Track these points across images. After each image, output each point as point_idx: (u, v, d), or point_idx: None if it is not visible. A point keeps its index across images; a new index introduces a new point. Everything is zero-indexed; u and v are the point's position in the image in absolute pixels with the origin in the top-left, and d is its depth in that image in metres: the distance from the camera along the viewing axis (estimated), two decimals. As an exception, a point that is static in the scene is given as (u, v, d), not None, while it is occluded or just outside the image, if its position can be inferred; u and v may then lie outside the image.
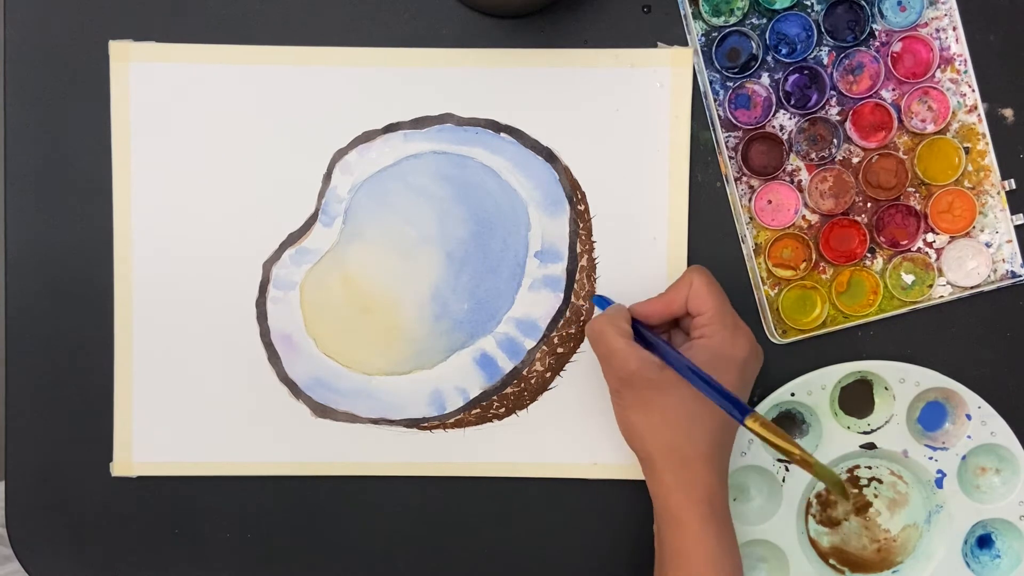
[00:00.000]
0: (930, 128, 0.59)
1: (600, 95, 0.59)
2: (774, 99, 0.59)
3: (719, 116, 0.59)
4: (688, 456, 0.52)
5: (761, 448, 0.60)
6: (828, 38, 0.58)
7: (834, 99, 0.59)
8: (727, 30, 0.58)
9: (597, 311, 0.59)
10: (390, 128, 0.59)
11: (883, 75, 0.58)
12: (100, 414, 0.60)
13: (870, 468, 0.61)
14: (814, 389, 0.59)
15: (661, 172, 0.59)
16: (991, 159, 0.59)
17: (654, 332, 0.55)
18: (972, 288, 0.60)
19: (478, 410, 0.60)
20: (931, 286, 0.60)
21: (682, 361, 0.52)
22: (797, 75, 0.59)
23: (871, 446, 0.60)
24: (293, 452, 0.61)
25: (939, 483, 0.60)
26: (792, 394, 0.59)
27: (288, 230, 0.60)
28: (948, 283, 0.60)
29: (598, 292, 0.60)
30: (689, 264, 0.59)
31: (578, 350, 0.60)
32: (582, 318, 0.60)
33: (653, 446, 0.53)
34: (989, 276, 0.60)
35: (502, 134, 0.59)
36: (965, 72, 0.59)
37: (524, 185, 0.59)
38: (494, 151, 0.59)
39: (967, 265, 0.60)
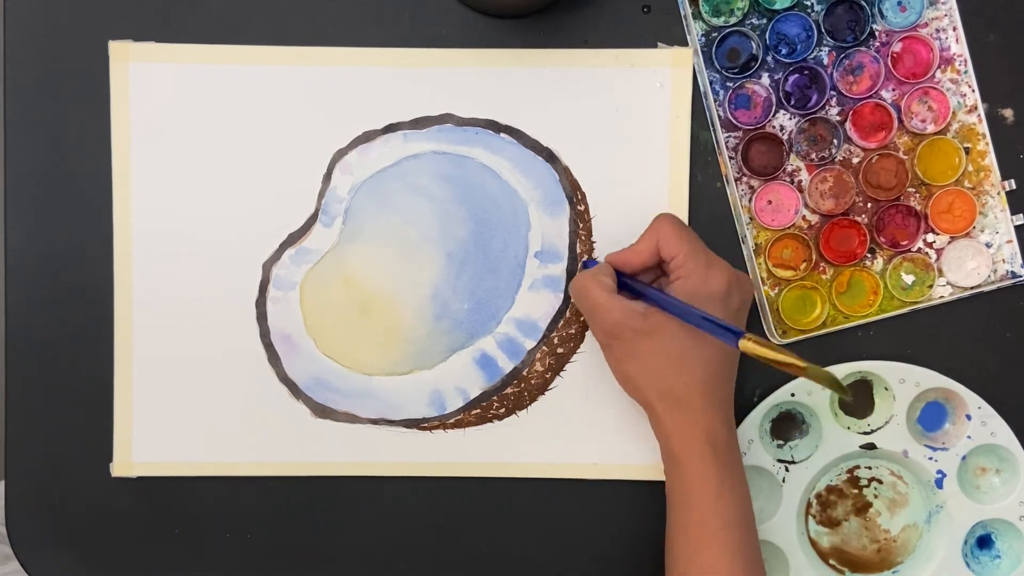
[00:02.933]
0: (930, 128, 0.59)
1: (600, 95, 0.59)
2: (774, 99, 0.59)
3: (719, 116, 0.59)
4: (684, 398, 0.53)
5: (761, 448, 0.60)
6: (828, 38, 0.58)
7: (834, 99, 0.59)
8: (727, 30, 0.58)
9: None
10: (390, 128, 0.59)
11: (883, 75, 0.58)
12: (100, 414, 0.60)
13: (870, 468, 0.61)
14: (814, 389, 0.59)
15: (661, 172, 0.59)
16: (991, 159, 0.59)
17: (638, 281, 0.56)
18: (972, 288, 0.60)
19: (478, 410, 0.60)
20: (931, 286, 0.60)
21: (668, 299, 0.52)
22: (797, 75, 0.59)
23: (871, 446, 0.60)
24: (293, 452, 0.60)
25: (939, 483, 0.60)
26: (792, 394, 0.59)
27: (288, 230, 0.60)
28: (948, 283, 0.60)
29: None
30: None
31: (578, 350, 0.60)
32: (582, 318, 0.60)
33: (649, 392, 0.53)
34: (989, 276, 0.60)
35: (502, 134, 0.59)
36: (965, 72, 0.59)
37: (524, 185, 0.59)
38: (494, 151, 0.59)
39: (967, 265, 0.60)
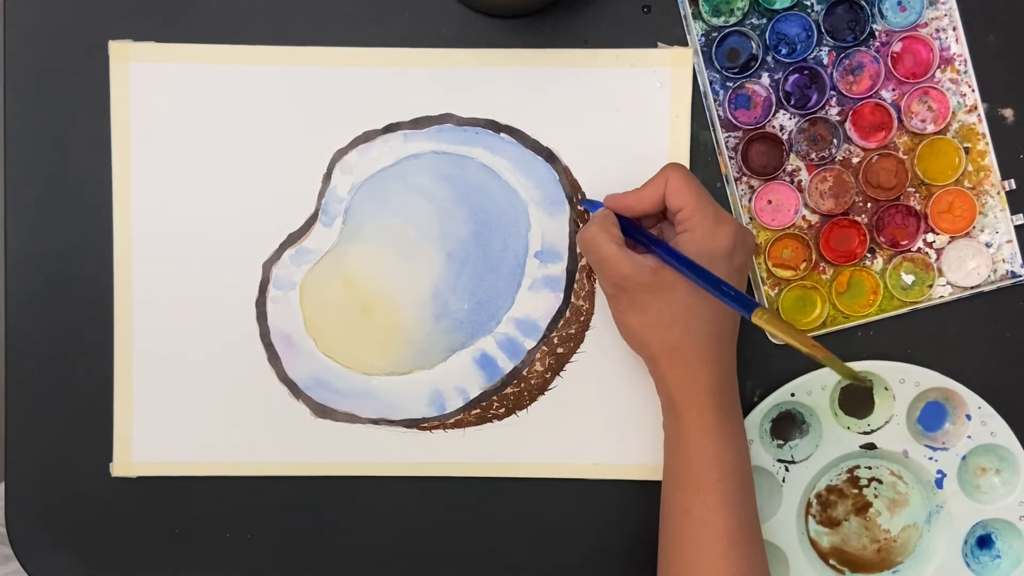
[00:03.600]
0: (930, 128, 0.59)
1: (600, 95, 0.59)
2: (774, 99, 0.59)
3: (719, 116, 0.59)
4: (688, 354, 0.53)
5: (761, 448, 0.60)
6: (828, 38, 0.58)
7: (834, 99, 0.59)
8: (727, 30, 0.58)
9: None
10: (390, 128, 0.59)
11: (883, 75, 0.58)
12: (100, 414, 0.60)
13: (870, 468, 0.61)
14: (814, 389, 0.59)
15: (661, 172, 0.59)
16: (991, 159, 0.59)
17: (643, 227, 0.55)
18: (972, 288, 0.60)
19: (478, 410, 0.60)
20: (931, 286, 0.60)
21: (683, 260, 0.51)
22: (797, 75, 0.59)
23: (871, 446, 0.60)
24: (293, 452, 0.60)
25: (939, 483, 0.60)
26: (792, 394, 0.59)
27: (288, 230, 0.60)
28: (948, 283, 0.60)
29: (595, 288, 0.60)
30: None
31: (578, 350, 0.60)
32: (582, 318, 0.60)
33: (653, 346, 0.53)
34: (989, 276, 0.60)
35: (502, 134, 0.59)
36: (965, 72, 0.59)
37: (524, 185, 0.59)
38: (494, 151, 0.59)
39: (967, 265, 0.60)
